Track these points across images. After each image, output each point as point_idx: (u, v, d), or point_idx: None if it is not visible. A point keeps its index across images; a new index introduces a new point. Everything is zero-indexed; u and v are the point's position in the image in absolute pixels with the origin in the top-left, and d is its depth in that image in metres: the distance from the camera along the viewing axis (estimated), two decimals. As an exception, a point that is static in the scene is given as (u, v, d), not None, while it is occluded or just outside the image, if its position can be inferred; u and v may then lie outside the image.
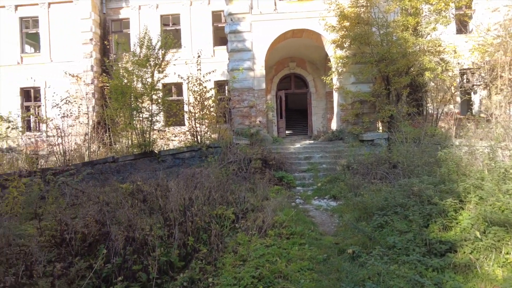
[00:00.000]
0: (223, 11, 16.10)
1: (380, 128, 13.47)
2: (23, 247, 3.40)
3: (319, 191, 9.14)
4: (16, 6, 17.22)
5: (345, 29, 12.00)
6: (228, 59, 13.20)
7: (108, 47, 17.44)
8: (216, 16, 17.70)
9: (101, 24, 17.61)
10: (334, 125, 14.88)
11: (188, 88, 11.79)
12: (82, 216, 4.48)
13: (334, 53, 12.83)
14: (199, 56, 11.63)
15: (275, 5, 12.91)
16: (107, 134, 13.65)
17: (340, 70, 12.85)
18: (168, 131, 12.86)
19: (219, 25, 17.56)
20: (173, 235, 4.63)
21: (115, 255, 3.89)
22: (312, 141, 13.68)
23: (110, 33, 17.98)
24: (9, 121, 11.11)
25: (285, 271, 4.10)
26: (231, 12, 12.81)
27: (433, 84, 12.84)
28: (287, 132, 17.71)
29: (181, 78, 11.75)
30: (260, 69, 12.81)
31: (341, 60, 12.53)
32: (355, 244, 4.94)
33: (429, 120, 12.71)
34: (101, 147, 13.17)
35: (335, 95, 13.69)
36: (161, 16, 17.74)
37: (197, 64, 11.38)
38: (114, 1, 17.81)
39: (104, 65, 16.23)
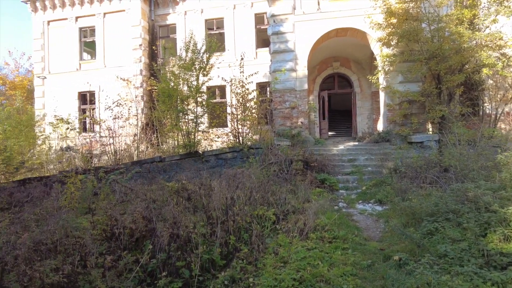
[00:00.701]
0: (265, 13, 16.19)
1: (430, 129, 12.70)
2: (79, 239, 3.66)
3: (364, 195, 8.81)
4: (77, 18, 18.70)
5: (392, 26, 11.49)
6: (270, 60, 13.23)
7: (156, 52, 18.29)
8: (259, 19, 17.84)
9: (149, 30, 18.53)
10: (380, 126, 14.30)
11: (231, 90, 12.01)
12: (130, 212, 4.71)
13: (380, 52, 12.33)
14: (242, 59, 11.80)
15: (319, 4, 12.72)
16: (155, 135, 14.31)
17: (386, 69, 12.32)
18: (212, 132, 13.16)
19: (262, 27, 17.67)
20: (215, 233, 4.71)
21: (160, 251, 4.04)
22: (356, 143, 13.25)
23: (158, 39, 18.85)
24: (68, 123, 12.06)
25: (327, 275, 3.99)
26: (274, 13, 12.83)
27: (491, 81, 11.84)
28: (330, 133, 17.33)
29: (225, 80, 12.02)
30: (302, 69, 12.68)
31: (387, 59, 12.01)
32: (402, 251, 4.68)
33: (486, 121, 11.75)
34: (149, 147, 13.83)
35: (382, 95, 13.14)
36: (206, 20, 18.24)
37: (240, 67, 11.55)
38: (162, 8, 18.66)
39: (152, 69, 17.05)
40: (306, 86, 12.88)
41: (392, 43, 11.77)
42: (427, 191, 6.78)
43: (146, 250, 4.00)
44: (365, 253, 4.94)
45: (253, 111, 11.95)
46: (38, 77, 19.17)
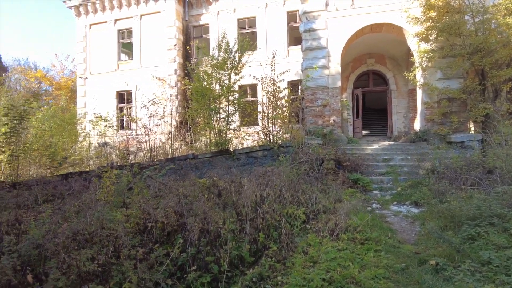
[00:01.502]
0: (297, 10, 16.04)
1: (472, 128, 11.97)
2: (113, 231, 3.81)
3: (399, 196, 8.47)
4: (115, 20, 19.55)
5: (431, 20, 10.95)
6: (302, 58, 13.08)
7: (189, 52, 18.70)
8: (291, 16, 17.70)
9: (183, 30, 18.98)
10: (417, 125, 13.70)
11: (262, 89, 12.01)
12: (163, 207, 4.84)
13: (417, 47, 11.80)
14: (273, 57, 11.76)
15: (352, 0, 12.38)
16: (188, 133, 14.65)
17: (424, 65, 11.76)
18: (243, 131, 13.25)
19: (294, 24, 17.52)
20: (244, 230, 4.72)
21: (190, 245, 4.11)
22: (391, 142, 12.78)
23: (191, 39, 19.26)
24: (107, 121, 12.64)
25: (358, 277, 3.87)
26: (306, 10, 12.67)
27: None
28: (363, 132, 16.86)
29: (256, 79, 12.04)
30: (335, 66, 12.42)
31: (425, 54, 11.46)
32: (439, 255, 4.43)
33: (538, 120, 10.88)
34: (182, 145, 14.18)
35: (419, 93, 12.58)
36: (238, 19, 18.38)
37: (272, 65, 11.53)
38: (196, 9, 19.03)
39: (186, 69, 17.45)
40: (339, 84, 12.61)
41: (430, 38, 11.22)
42: (468, 193, 6.39)
43: (176, 244, 4.08)
44: (399, 256, 4.74)
45: (284, 109, 11.88)
46: (80, 77, 20.26)
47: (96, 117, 13.07)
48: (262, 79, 11.61)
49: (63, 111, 17.07)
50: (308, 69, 12.33)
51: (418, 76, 12.20)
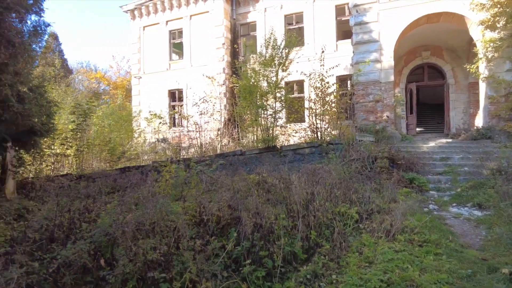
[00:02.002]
0: (347, 3, 15.58)
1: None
2: (172, 222, 4.01)
3: (459, 197, 7.91)
4: (167, 21, 20.41)
5: (499, 5, 10.02)
6: (353, 52, 12.67)
7: (237, 50, 18.98)
8: (340, 10, 17.20)
9: (231, 29, 19.29)
10: (478, 122, 12.67)
11: (309, 85, 11.85)
12: (217, 200, 4.99)
13: (481, 36, 10.88)
14: (322, 52, 11.53)
15: (407, -10, 11.74)
16: (236, 130, 14.93)
17: (490, 56, 10.81)
18: (289, 127, 13.19)
19: (343, 18, 17.02)
20: (296, 227, 4.71)
21: (244, 239, 4.19)
22: (449, 140, 11.96)
23: (239, 37, 19.53)
24: (161, 118, 13.28)
25: (418, 281, 3.68)
26: (357, 3, 12.25)
27: None
28: (418, 129, 15.96)
29: (304, 74, 11.88)
30: (388, 60, 11.88)
31: (491, 44, 10.53)
32: (512, 263, 4.08)
33: None
34: (230, 142, 14.51)
35: (482, 86, 11.60)
36: (285, 16, 18.27)
37: (321, 60, 11.31)
38: (243, 7, 19.25)
39: (234, 67, 17.75)
40: (392, 78, 12.04)
41: (498, 26, 10.30)
42: (544, 196, 5.80)
43: (231, 237, 4.19)
44: (463, 261, 4.43)
45: (333, 105, 11.61)
46: (135, 77, 21.47)
47: (151, 114, 13.79)
48: (310, 75, 11.44)
49: (120, 109, 18.23)
50: (359, 63, 11.92)
51: (482, 68, 11.25)
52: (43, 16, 6.96)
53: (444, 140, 11.86)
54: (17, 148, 8.45)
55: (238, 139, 14.44)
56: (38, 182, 9.46)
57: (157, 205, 3.87)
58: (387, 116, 11.78)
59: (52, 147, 10.65)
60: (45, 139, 9.42)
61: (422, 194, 8.21)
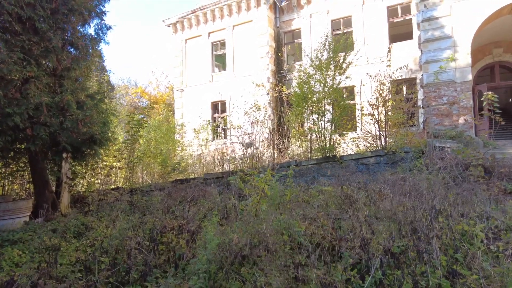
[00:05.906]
0: (400, 4, 14.60)
1: None
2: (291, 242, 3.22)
3: None
4: (209, 33, 20.27)
5: None
6: (421, 50, 11.55)
7: (281, 58, 18.37)
8: (392, 11, 16.15)
9: (275, 37, 18.76)
10: None
11: (363, 90, 10.88)
12: (313, 217, 4.14)
13: None
14: (389, 51, 10.61)
15: (486, -22, 10.55)
16: (281, 140, 14.15)
17: None
18: (346, 135, 12.21)
19: (395, 20, 15.94)
20: (420, 251, 3.74)
21: (371, 267, 3.29)
22: (538, 146, 10.42)
23: (283, 45, 18.94)
24: (212, 128, 12.72)
25: None
26: (425, -3, 11.21)
27: None
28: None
29: (368, 75, 10.90)
30: (464, 57, 10.63)
31: None
32: None
33: None
34: (275, 153, 13.71)
35: None
36: (332, 21, 17.47)
37: (389, 60, 10.34)
38: (287, 14, 18.71)
39: (279, 76, 17.14)
40: (469, 77, 10.73)
41: None
42: None
43: (346, 261, 3.31)
44: None
45: (398, 110, 10.53)
46: (178, 90, 21.40)
47: (200, 125, 13.33)
48: (376, 76, 10.48)
49: (166, 121, 18.07)
50: (429, 63, 10.79)
51: None
52: (104, 20, 6.63)
53: (531, 147, 10.35)
54: (73, 160, 8.12)
55: (285, 150, 13.63)
56: (91, 196, 9.12)
57: (274, 221, 3.06)
58: (465, 120, 10.48)
59: (106, 159, 10.36)
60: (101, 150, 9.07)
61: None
